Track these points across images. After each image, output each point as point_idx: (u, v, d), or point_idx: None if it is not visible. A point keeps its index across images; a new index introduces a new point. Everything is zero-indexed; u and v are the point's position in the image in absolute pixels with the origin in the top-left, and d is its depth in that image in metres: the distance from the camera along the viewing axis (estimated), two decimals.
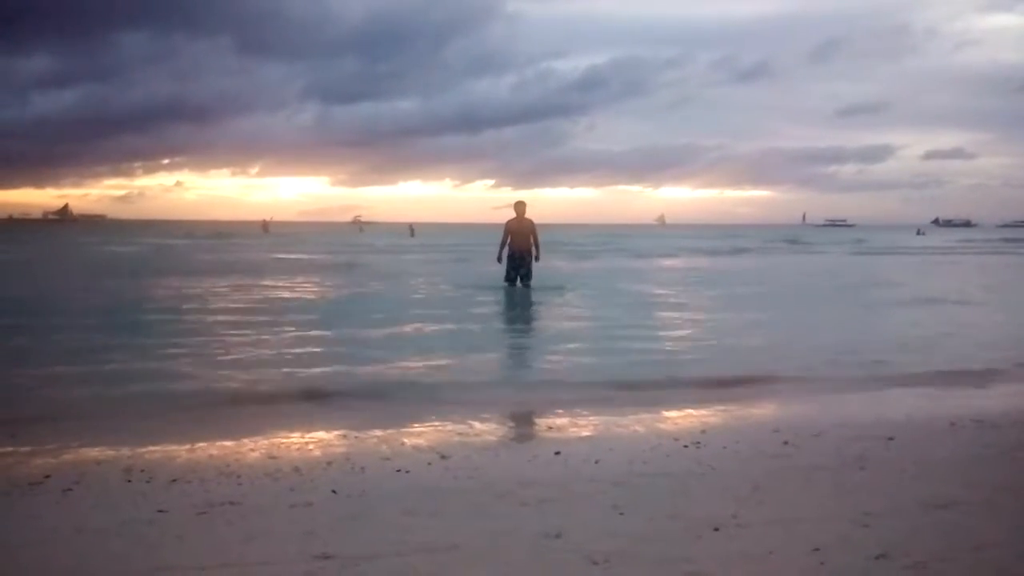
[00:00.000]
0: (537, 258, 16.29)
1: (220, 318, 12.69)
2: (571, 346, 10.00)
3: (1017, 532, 3.74)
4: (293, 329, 11.38)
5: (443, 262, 29.63)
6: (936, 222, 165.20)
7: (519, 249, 16.20)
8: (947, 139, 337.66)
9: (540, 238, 16.36)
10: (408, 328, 11.55)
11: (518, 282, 16.18)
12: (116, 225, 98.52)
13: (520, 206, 16.41)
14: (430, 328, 11.42)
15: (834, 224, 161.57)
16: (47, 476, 4.66)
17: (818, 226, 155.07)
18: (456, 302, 15.00)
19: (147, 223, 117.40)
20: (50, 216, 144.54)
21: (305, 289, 18.17)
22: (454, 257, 32.18)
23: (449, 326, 11.69)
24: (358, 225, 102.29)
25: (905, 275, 25.13)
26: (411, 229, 79.20)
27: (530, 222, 16.27)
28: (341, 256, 33.07)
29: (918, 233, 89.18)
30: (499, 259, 16.38)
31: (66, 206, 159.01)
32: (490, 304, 14.84)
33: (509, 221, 16.30)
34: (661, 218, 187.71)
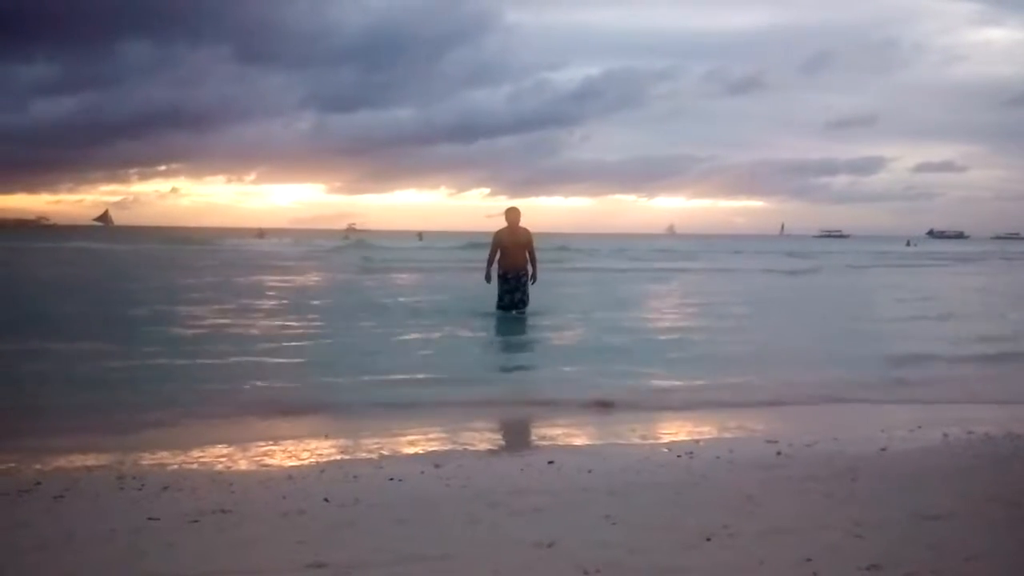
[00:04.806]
0: (534, 278, 13.22)
1: (215, 330, 12.66)
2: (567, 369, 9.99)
3: (1008, 543, 3.74)
4: (287, 344, 11.38)
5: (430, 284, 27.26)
6: (931, 234, 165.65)
7: (514, 267, 13.09)
8: (938, 152, 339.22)
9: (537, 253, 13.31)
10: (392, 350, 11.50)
11: (513, 309, 13.10)
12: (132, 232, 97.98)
13: (513, 213, 13.30)
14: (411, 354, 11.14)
15: (829, 235, 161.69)
16: (38, 483, 4.65)
17: (815, 237, 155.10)
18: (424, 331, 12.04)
19: (141, 229, 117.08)
20: (93, 222, 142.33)
21: (303, 307, 18.16)
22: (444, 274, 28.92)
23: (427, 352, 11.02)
24: (345, 234, 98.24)
25: None
26: (419, 235, 78.59)
27: (526, 233, 13.22)
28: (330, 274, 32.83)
29: (908, 244, 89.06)
30: (487, 278, 13.21)
31: (106, 212, 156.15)
32: (472, 335, 12.15)
33: (499, 232, 13.23)
34: (671, 228, 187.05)
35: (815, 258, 49.07)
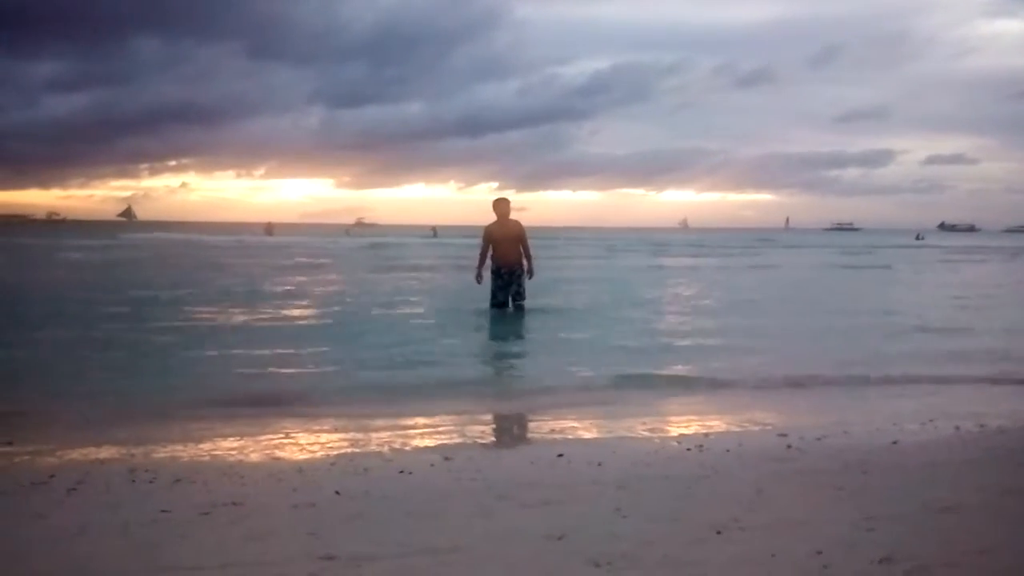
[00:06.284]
0: (531, 274, 12.56)
1: (224, 325, 12.72)
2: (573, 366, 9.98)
3: (1021, 535, 3.73)
4: (299, 336, 11.41)
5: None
6: (942, 227, 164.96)
7: (507, 262, 12.48)
8: (948, 144, 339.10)
9: (533, 248, 12.63)
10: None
11: (509, 305, 12.49)
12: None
13: (502, 205, 12.58)
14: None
15: (840, 228, 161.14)
16: (52, 476, 4.68)
17: (826, 230, 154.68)
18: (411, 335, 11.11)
19: (150, 224, 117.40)
20: (117, 218, 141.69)
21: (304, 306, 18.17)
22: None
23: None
24: (347, 229, 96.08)
25: None
26: (434, 231, 77.72)
27: (517, 225, 12.63)
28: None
29: (917, 238, 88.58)
30: (478, 278, 12.71)
31: (129, 207, 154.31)
32: (481, 332, 11.69)
33: (490, 226, 12.60)
34: (684, 222, 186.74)
35: (870, 253, 48.12)
